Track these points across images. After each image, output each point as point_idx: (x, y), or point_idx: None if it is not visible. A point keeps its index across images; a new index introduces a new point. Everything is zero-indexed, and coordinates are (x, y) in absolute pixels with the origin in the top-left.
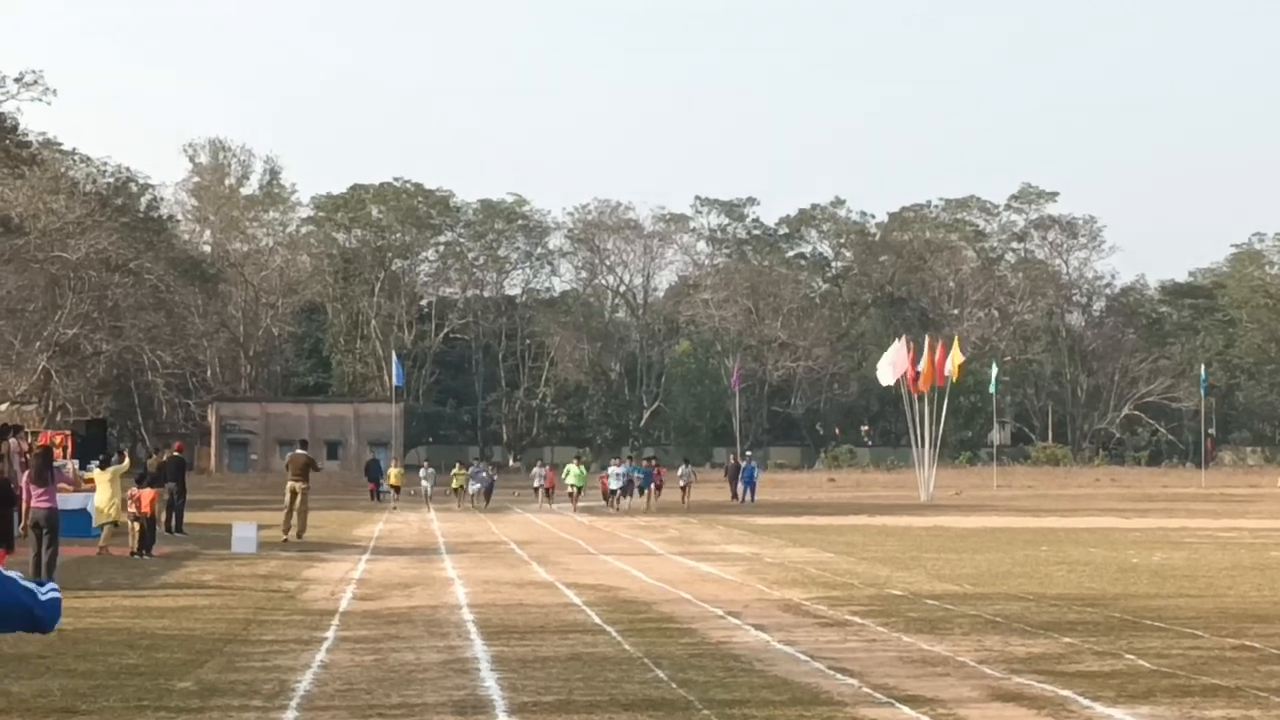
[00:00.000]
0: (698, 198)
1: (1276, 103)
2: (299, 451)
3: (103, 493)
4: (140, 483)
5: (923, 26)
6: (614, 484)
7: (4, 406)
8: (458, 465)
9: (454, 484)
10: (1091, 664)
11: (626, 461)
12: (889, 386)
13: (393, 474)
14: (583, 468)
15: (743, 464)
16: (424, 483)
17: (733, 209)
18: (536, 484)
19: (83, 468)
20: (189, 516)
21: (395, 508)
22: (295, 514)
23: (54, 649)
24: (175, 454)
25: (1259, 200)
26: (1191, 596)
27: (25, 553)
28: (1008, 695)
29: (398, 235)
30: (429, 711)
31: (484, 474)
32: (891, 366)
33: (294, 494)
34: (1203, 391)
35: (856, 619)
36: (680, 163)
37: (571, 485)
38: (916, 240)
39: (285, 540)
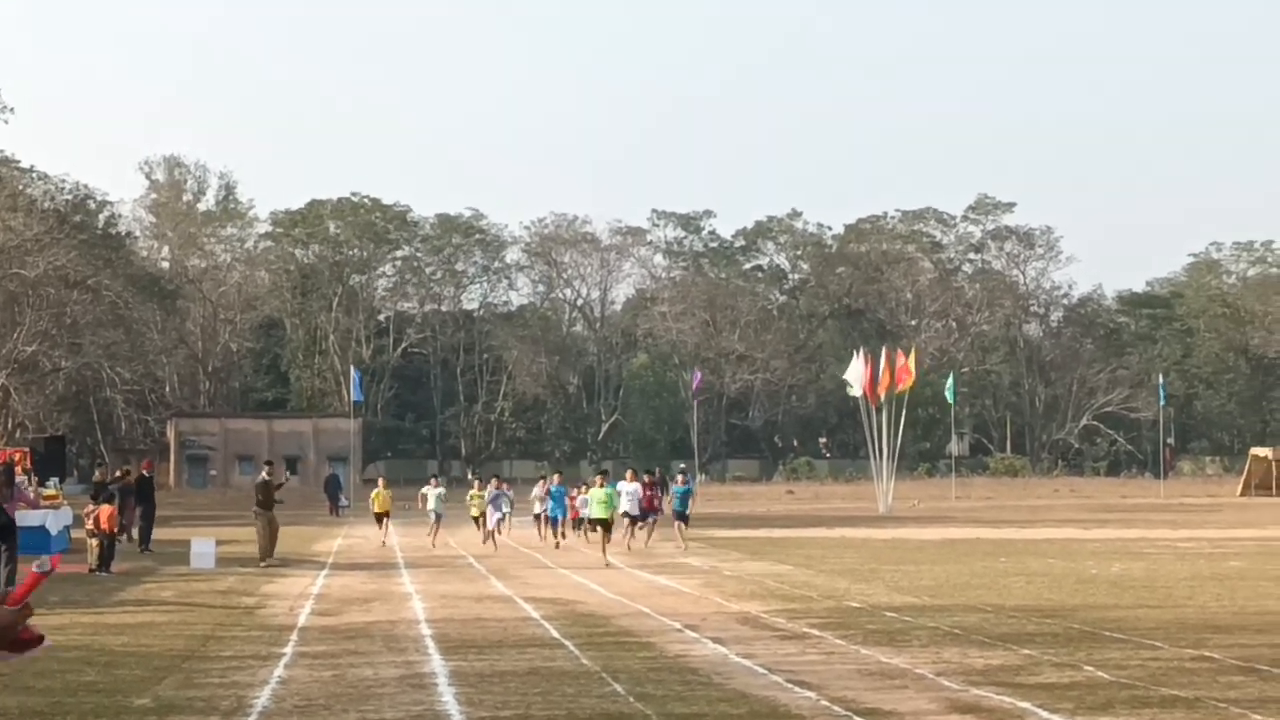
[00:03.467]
0: (654, 211)
1: (1231, 113)
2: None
3: None
4: (96, 499)
5: (879, 39)
6: (625, 505)
7: None
8: (475, 485)
9: (473, 511)
10: (1050, 675)
11: (639, 477)
12: (847, 399)
13: (377, 498)
14: (607, 489)
15: (677, 480)
16: (432, 505)
17: (689, 222)
18: (537, 509)
19: (42, 484)
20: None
21: (385, 543)
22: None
23: (11, 666)
24: (144, 473)
25: (1216, 210)
26: (1150, 607)
27: None
28: (966, 707)
29: (355, 250)
30: None
31: (505, 500)
32: (856, 379)
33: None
34: (1161, 401)
35: (815, 631)
36: (636, 176)
37: (594, 517)
38: (873, 252)
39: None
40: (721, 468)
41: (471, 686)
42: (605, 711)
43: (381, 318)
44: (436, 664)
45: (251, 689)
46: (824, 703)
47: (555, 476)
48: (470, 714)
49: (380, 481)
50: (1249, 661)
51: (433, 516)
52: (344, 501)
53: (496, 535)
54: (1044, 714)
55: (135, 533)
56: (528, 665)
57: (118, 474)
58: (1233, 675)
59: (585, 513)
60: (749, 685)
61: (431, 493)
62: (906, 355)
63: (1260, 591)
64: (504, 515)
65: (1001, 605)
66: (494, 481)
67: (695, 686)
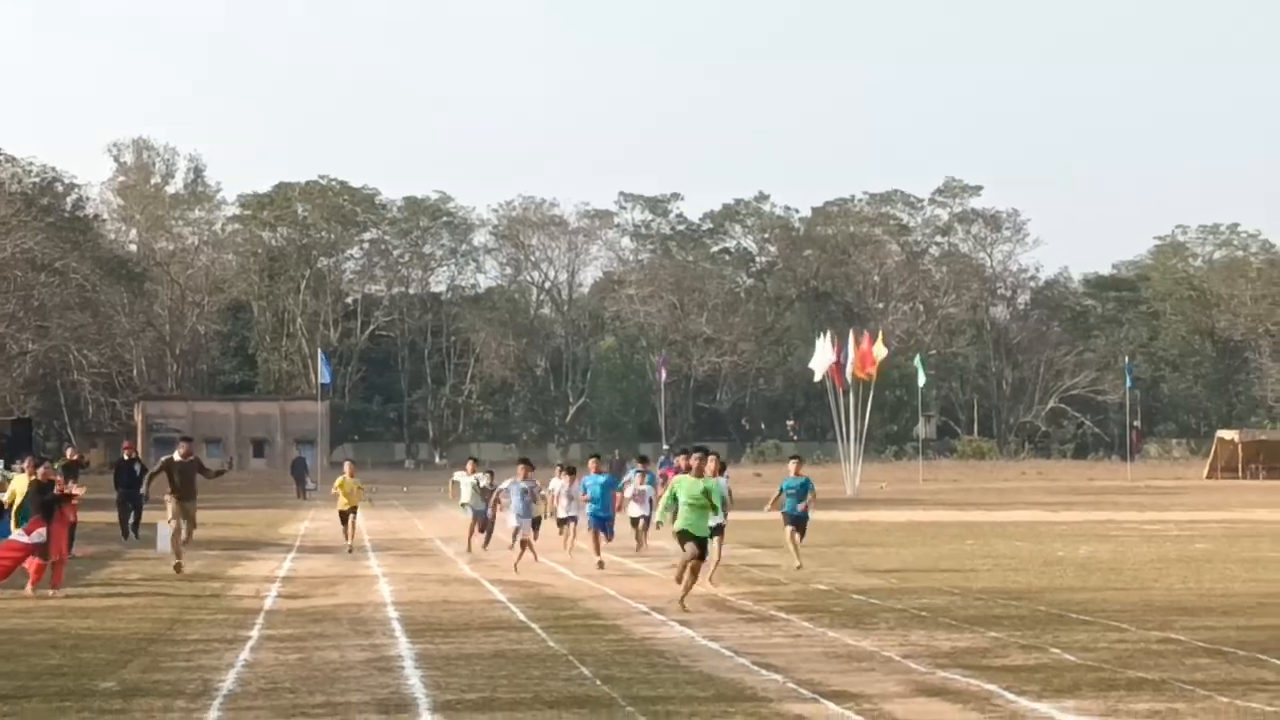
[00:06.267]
0: (622, 194)
1: (1195, 97)
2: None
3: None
4: (66, 481)
5: (846, 25)
6: (636, 508)
7: None
8: (469, 469)
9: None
10: (1017, 658)
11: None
12: (816, 382)
13: (342, 488)
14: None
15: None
16: (466, 497)
17: (657, 205)
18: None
19: (7, 468)
20: (111, 515)
21: (352, 548)
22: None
23: None
24: (124, 455)
25: (1181, 193)
26: (1117, 589)
27: None
28: (933, 690)
29: (323, 233)
30: (352, 710)
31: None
32: (822, 362)
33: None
34: (1128, 384)
35: (782, 614)
36: (604, 160)
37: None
38: (841, 234)
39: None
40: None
41: (438, 669)
42: (572, 694)
43: (349, 300)
44: (403, 647)
45: (217, 672)
46: (790, 685)
47: (591, 463)
48: (436, 697)
49: (346, 467)
50: (1215, 644)
51: (469, 512)
52: (311, 484)
53: (530, 546)
54: (1010, 696)
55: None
56: (494, 648)
57: (71, 456)
58: (1199, 657)
59: (634, 510)
60: (716, 668)
61: (465, 481)
62: (874, 339)
63: (1226, 574)
64: (533, 520)
65: (968, 588)
66: (520, 469)
67: (662, 669)
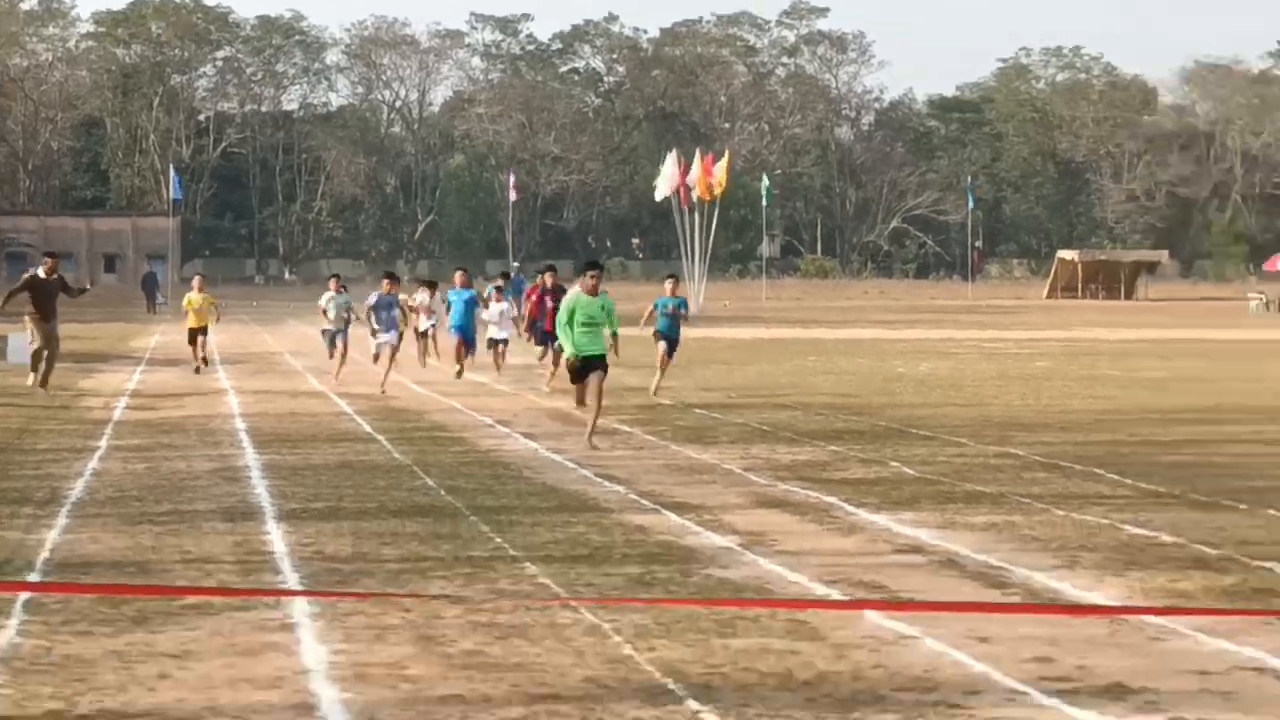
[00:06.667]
0: (473, 14)
1: None
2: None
3: None
4: None
5: None
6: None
7: None
8: (332, 286)
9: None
10: (857, 471)
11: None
12: (661, 201)
13: (190, 306)
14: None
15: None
16: (333, 316)
17: (507, 25)
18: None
19: None
20: None
21: (201, 368)
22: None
23: None
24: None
25: (1025, 15)
26: (957, 405)
27: None
28: (773, 502)
29: (177, 51)
30: (199, 518)
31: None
32: (666, 181)
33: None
34: (970, 204)
35: (625, 428)
36: None
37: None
38: (688, 55)
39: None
40: (535, 270)
41: (284, 479)
42: (416, 504)
43: (202, 118)
44: (250, 457)
45: (66, 481)
46: (632, 496)
47: (458, 275)
48: (282, 506)
49: (195, 281)
50: (1052, 458)
51: (327, 339)
52: (161, 299)
53: (394, 359)
54: (849, 508)
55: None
56: (340, 459)
57: None
58: (1036, 471)
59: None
60: (559, 480)
61: (334, 302)
62: (719, 159)
63: (1065, 391)
64: (399, 335)
65: (810, 403)
66: (385, 284)
67: (506, 480)
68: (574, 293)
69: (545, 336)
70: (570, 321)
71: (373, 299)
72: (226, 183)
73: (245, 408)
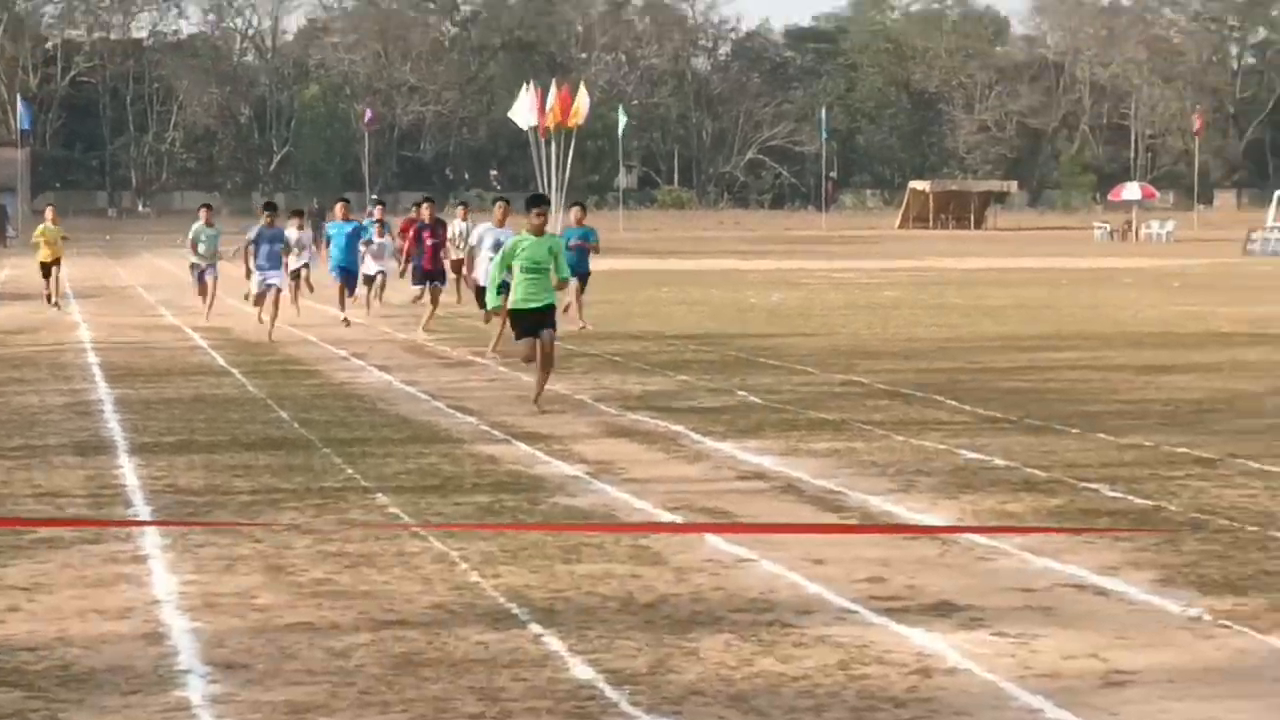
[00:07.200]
0: None
1: None
2: None
3: None
4: None
5: None
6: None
7: None
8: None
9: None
10: (705, 400)
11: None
12: (517, 131)
13: (43, 238)
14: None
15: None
16: (203, 250)
17: None
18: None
19: None
20: None
21: (58, 303)
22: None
23: None
24: None
25: None
26: (805, 335)
27: None
28: (621, 431)
29: None
30: (50, 453)
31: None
32: (524, 111)
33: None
34: (823, 135)
35: (478, 360)
36: None
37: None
38: None
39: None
40: (394, 200)
41: (136, 413)
42: (269, 437)
43: (49, 46)
44: (102, 391)
45: None
46: (484, 427)
47: (339, 207)
48: (134, 439)
49: (48, 213)
50: (895, 386)
51: (195, 275)
52: (12, 232)
53: (274, 310)
54: (696, 436)
55: None
56: (193, 392)
57: None
58: (879, 399)
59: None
60: (412, 411)
61: (204, 235)
62: (574, 91)
63: (911, 320)
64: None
65: (661, 334)
66: (265, 217)
67: (359, 412)
68: (514, 235)
69: (424, 275)
70: (509, 267)
71: (253, 233)
72: (76, 113)
73: (98, 341)
